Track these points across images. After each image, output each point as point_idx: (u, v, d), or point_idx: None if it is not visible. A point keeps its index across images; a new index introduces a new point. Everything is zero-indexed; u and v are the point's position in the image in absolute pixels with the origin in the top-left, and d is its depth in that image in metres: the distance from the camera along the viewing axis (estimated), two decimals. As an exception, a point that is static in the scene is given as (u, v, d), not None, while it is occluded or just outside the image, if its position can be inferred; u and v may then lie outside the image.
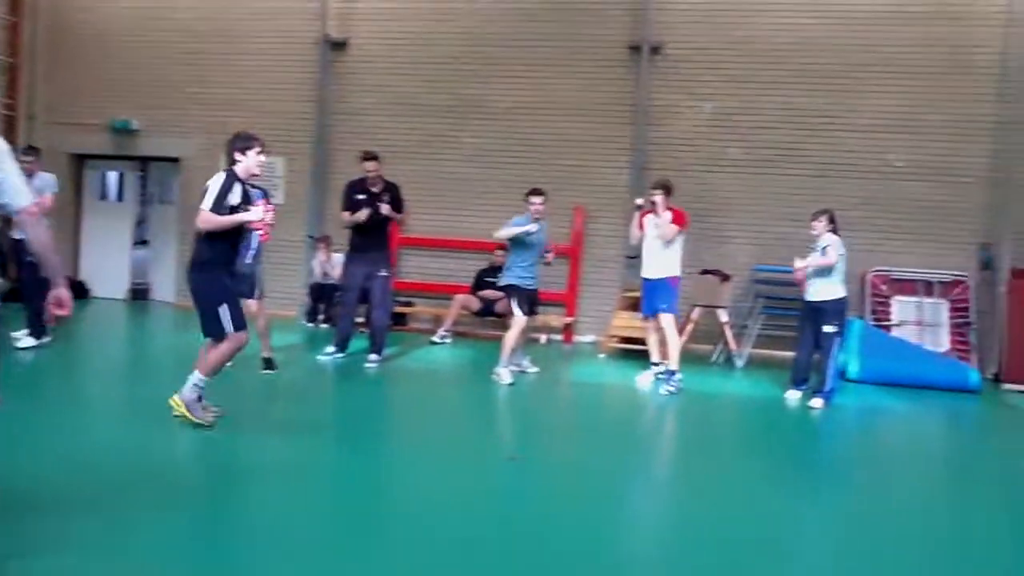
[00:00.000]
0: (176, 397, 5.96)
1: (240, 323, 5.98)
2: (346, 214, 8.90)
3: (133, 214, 14.32)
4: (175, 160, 13.47)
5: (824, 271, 8.20)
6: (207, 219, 5.88)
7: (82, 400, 7.05)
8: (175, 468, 5.31)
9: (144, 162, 14.09)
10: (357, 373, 8.71)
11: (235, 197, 5.98)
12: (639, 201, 8.83)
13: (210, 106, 13.14)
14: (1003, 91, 11.01)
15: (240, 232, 6.14)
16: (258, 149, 6.07)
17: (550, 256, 8.80)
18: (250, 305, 7.59)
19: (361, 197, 8.85)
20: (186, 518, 4.38)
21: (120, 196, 14.50)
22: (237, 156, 6.07)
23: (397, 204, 8.96)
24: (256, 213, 6.03)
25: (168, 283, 13.59)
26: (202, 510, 4.56)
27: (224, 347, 5.94)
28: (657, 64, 11.81)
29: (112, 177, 14.37)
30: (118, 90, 13.46)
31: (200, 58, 13.20)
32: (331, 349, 9.19)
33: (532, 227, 8.51)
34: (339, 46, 12.75)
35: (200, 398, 5.99)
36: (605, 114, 11.99)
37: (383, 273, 8.96)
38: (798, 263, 8.40)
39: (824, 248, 8.22)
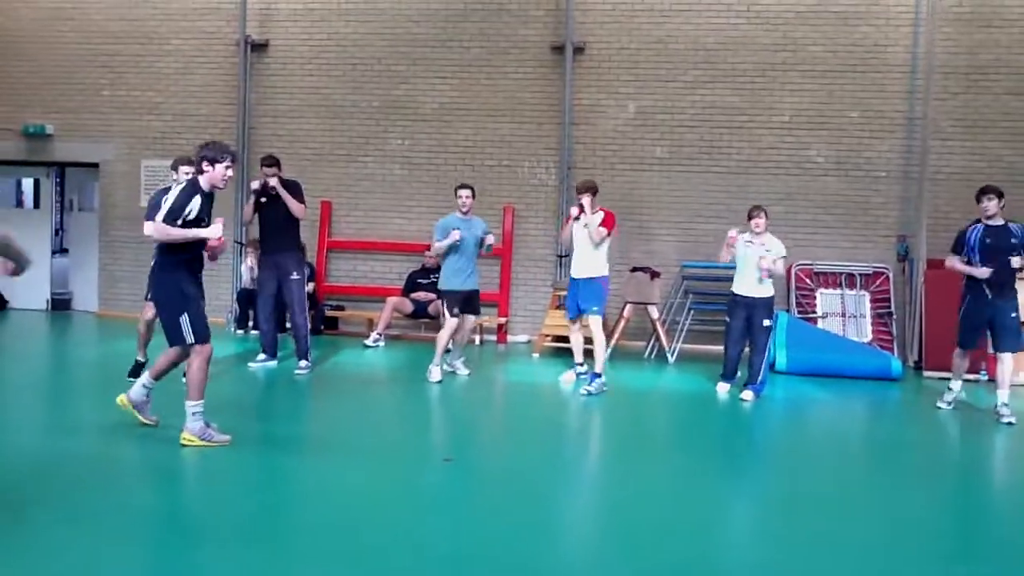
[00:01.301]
0: (185, 434, 5.81)
1: (202, 334, 5.84)
2: (247, 208, 9.02)
3: (51, 222, 13.88)
4: (94, 166, 13.10)
5: (761, 275, 8.32)
6: (160, 231, 5.69)
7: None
8: (109, 485, 5.18)
9: (61, 168, 13.67)
10: (287, 379, 8.60)
11: (194, 210, 5.75)
12: (574, 212, 8.72)
13: (128, 110, 12.83)
14: (913, 88, 11.38)
15: (200, 243, 5.90)
16: (227, 163, 5.83)
17: (489, 239, 8.83)
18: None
19: (263, 200, 8.85)
20: (114, 524, 4.28)
21: (36, 203, 14.06)
22: (205, 166, 5.81)
23: (295, 195, 8.88)
24: (215, 230, 5.80)
25: (90, 292, 13.22)
26: (134, 515, 4.47)
27: (194, 364, 5.83)
28: (581, 64, 11.91)
29: (27, 184, 13.90)
30: (29, 94, 13.04)
31: (115, 60, 12.86)
32: (261, 356, 9.08)
33: (455, 235, 8.55)
34: (260, 47, 12.55)
35: (208, 424, 5.87)
36: (532, 114, 12.04)
37: (294, 276, 8.85)
38: (733, 231, 8.46)
39: (775, 258, 8.29)
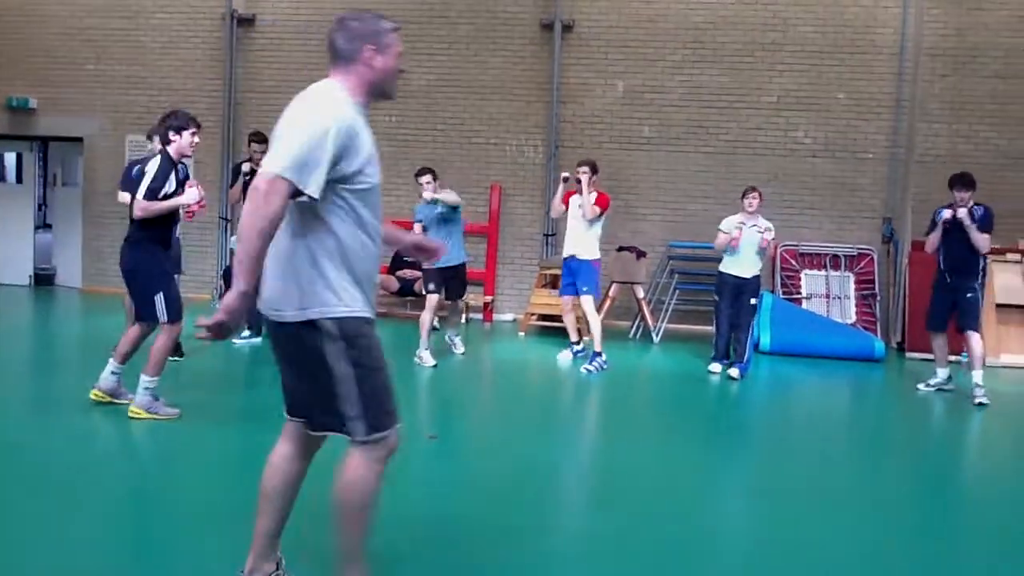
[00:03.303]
0: (133, 407, 5.81)
1: (175, 313, 5.88)
2: (235, 189, 8.86)
3: (34, 196, 13.77)
4: (77, 140, 12.98)
5: (760, 251, 8.43)
6: (144, 207, 5.76)
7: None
8: (90, 461, 5.18)
9: (44, 142, 13.55)
10: (272, 357, 8.57)
11: (172, 184, 5.85)
12: (566, 175, 8.80)
13: (112, 84, 12.71)
14: (901, 70, 11.39)
15: (175, 213, 6.01)
16: (193, 130, 5.93)
17: (440, 195, 8.52)
18: None
19: (248, 178, 8.79)
20: (104, 505, 4.29)
21: (19, 178, 13.94)
22: (171, 136, 5.90)
23: None
24: (191, 195, 5.90)
25: (74, 268, 13.13)
26: (121, 496, 4.47)
27: (160, 342, 5.85)
28: (570, 42, 11.86)
29: (10, 158, 13.78)
30: (12, 67, 12.89)
31: (99, 34, 12.72)
32: (246, 333, 9.07)
33: (416, 228, 8.41)
34: (246, 22, 12.44)
35: (156, 397, 5.87)
36: (520, 92, 12.00)
37: None
38: (733, 232, 8.51)
39: (765, 230, 8.45)
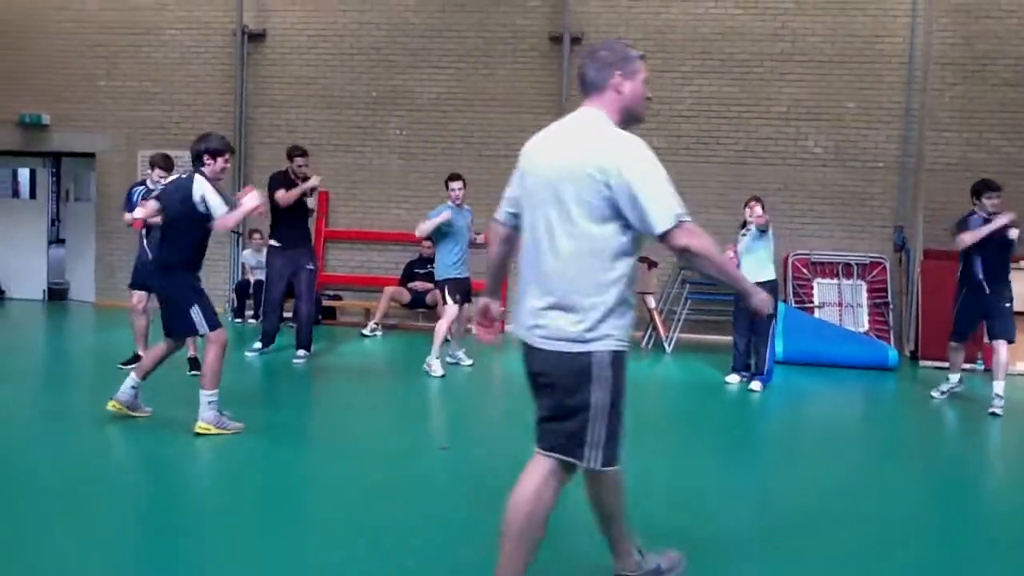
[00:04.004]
0: (200, 423, 5.82)
1: (214, 320, 5.94)
2: (280, 192, 8.70)
3: (47, 212, 13.87)
4: (90, 156, 13.07)
5: (762, 256, 8.36)
6: (231, 221, 5.93)
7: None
8: (106, 474, 5.20)
9: (57, 158, 13.65)
10: (287, 369, 8.62)
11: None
12: None
13: (124, 100, 12.81)
14: (911, 79, 11.38)
15: (209, 232, 6.04)
16: (227, 156, 6.00)
17: (481, 237, 8.73)
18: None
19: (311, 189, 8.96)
20: (123, 516, 4.30)
21: (32, 193, 14.05)
22: (207, 159, 5.91)
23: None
24: (255, 198, 5.97)
25: (87, 282, 13.20)
26: (142, 508, 4.49)
27: (210, 354, 5.89)
28: (579, 54, 11.88)
29: (23, 174, 13.89)
30: (25, 84, 13.00)
31: (111, 50, 12.82)
32: (257, 345, 9.09)
33: (447, 214, 8.52)
34: (257, 37, 12.52)
35: (221, 411, 5.91)
36: (529, 105, 12.02)
37: (309, 267, 8.92)
38: (730, 253, 8.50)
39: (760, 230, 8.45)
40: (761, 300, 3.24)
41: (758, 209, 8.51)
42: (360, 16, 12.36)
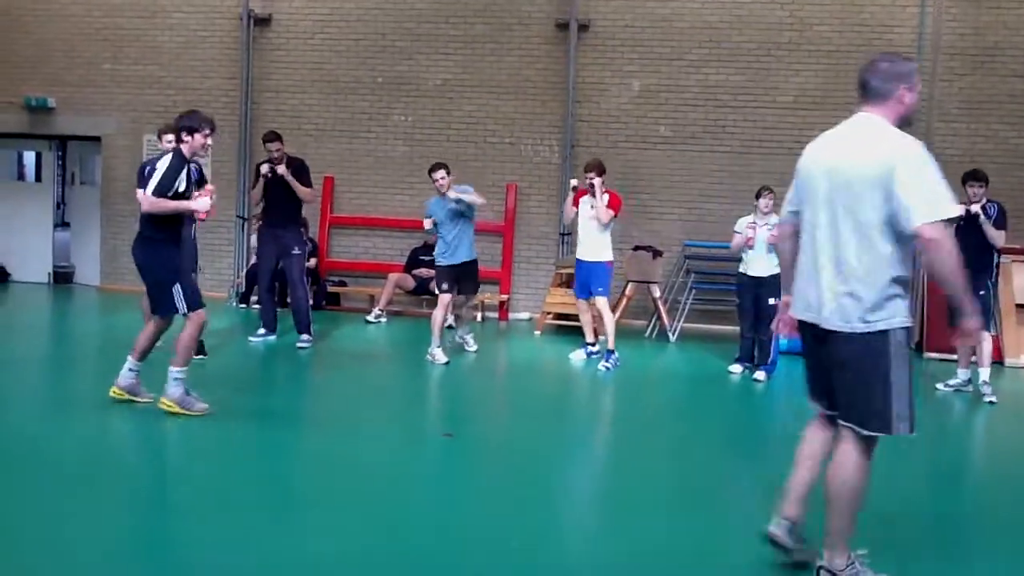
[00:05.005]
0: (164, 399, 5.83)
1: (196, 301, 5.91)
2: (256, 192, 9.03)
3: (52, 195, 13.87)
4: (95, 139, 13.07)
5: (771, 247, 8.35)
6: (151, 203, 5.80)
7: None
8: (112, 458, 5.21)
9: (62, 141, 13.65)
10: (289, 354, 8.63)
11: (182, 183, 5.88)
12: (574, 183, 8.86)
13: (129, 84, 12.77)
14: (920, 70, 11.29)
15: (186, 217, 6.07)
16: (206, 132, 5.97)
17: (466, 197, 8.50)
18: None
19: (268, 178, 8.88)
20: (128, 500, 4.32)
21: (38, 177, 14.05)
22: (184, 136, 5.92)
23: (302, 178, 8.96)
24: (203, 203, 5.92)
25: (92, 266, 13.21)
26: (145, 492, 4.50)
27: (186, 331, 5.88)
28: (585, 42, 11.84)
29: (29, 157, 13.88)
30: (31, 67, 12.98)
31: (117, 34, 12.78)
32: (261, 331, 9.11)
33: (426, 223, 8.64)
34: (263, 22, 12.48)
35: (188, 392, 5.89)
36: (535, 91, 11.99)
37: (296, 252, 8.94)
38: (748, 232, 8.47)
39: (774, 225, 8.39)
40: (970, 326, 3.44)
41: (773, 218, 8.47)
42: (366, 1, 12.31)
